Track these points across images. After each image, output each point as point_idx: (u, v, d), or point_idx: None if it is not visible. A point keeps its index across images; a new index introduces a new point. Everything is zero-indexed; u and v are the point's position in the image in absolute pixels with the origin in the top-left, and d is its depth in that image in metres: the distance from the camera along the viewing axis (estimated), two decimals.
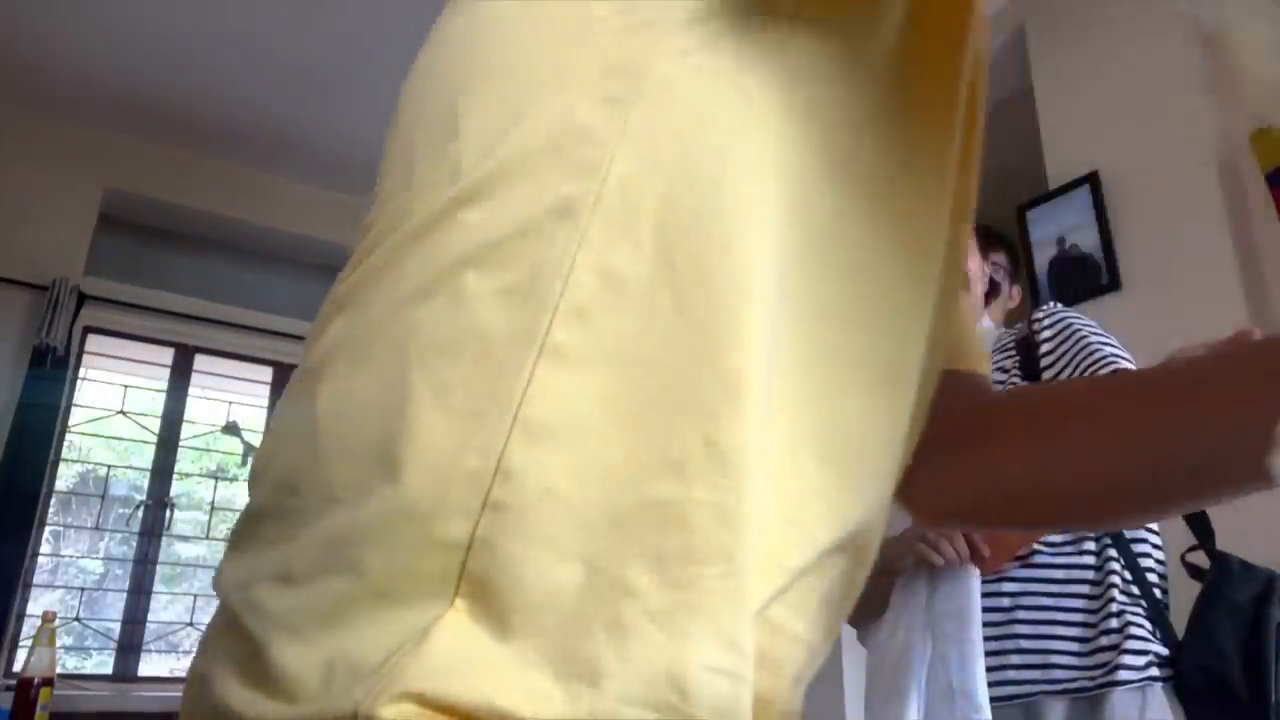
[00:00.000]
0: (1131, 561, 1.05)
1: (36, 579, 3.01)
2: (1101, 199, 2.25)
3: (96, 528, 3.31)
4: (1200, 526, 1.07)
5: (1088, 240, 2.26)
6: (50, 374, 2.97)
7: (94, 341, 3.30)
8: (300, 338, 3.63)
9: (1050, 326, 1.21)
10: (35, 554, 2.97)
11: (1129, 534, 1.08)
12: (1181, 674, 1.00)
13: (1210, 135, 2.13)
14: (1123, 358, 1.14)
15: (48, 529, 3.11)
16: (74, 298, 3.09)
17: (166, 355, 3.44)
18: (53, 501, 3.13)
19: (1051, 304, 1.28)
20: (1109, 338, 1.18)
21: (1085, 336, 1.17)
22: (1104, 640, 1.02)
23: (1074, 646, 1.03)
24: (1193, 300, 2.05)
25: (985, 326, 1.34)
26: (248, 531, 0.43)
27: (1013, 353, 1.24)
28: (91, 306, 3.18)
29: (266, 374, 3.61)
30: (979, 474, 0.54)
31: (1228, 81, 2.26)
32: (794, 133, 0.40)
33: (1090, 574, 1.07)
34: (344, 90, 3.12)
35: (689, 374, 0.37)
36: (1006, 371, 1.22)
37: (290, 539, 0.38)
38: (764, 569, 0.39)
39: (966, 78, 0.49)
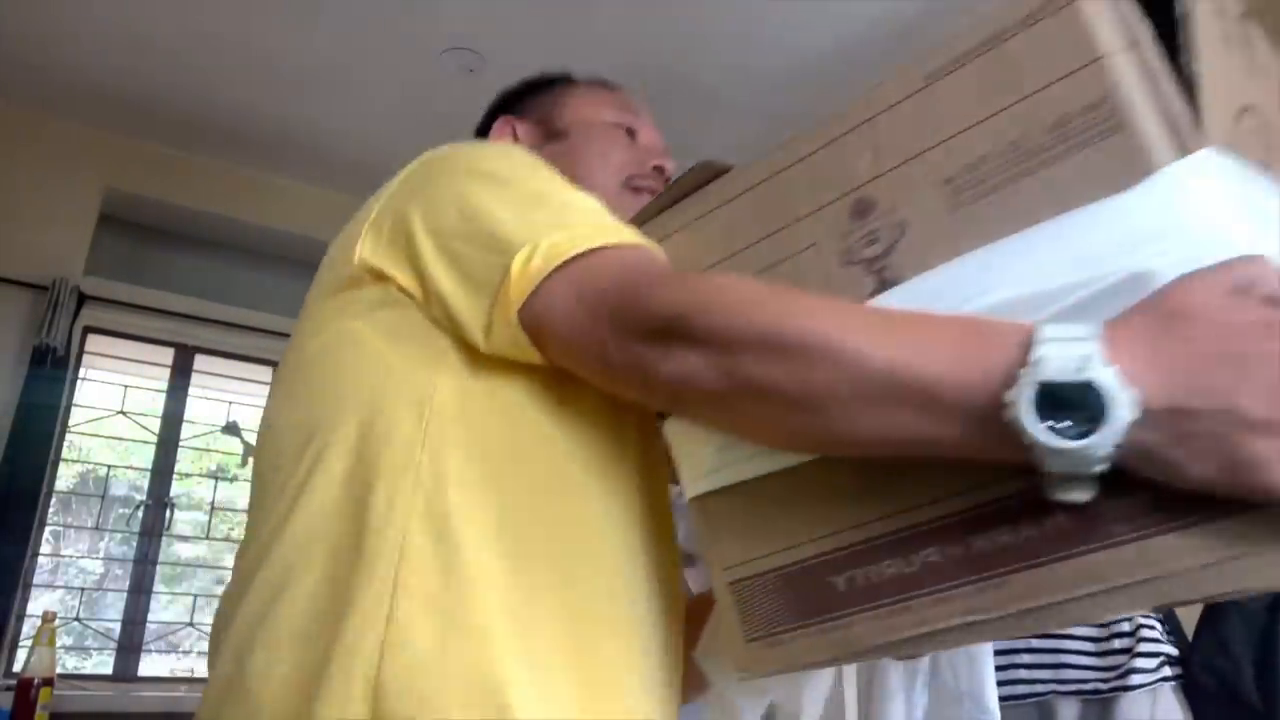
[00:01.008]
0: None
1: (36, 579, 3.01)
2: None
3: (96, 528, 3.31)
4: None
5: None
6: (50, 374, 2.97)
7: (94, 341, 3.29)
8: None
9: None
10: (35, 554, 2.97)
11: None
12: (1190, 674, 0.99)
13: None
14: None
15: (48, 529, 3.11)
16: (74, 298, 3.09)
17: (166, 355, 3.44)
18: (53, 501, 3.13)
19: None
20: None
21: None
22: (1116, 643, 1.01)
23: (1087, 646, 1.02)
24: None
25: None
26: None
27: None
28: (91, 306, 3.18)
29: (266, 374, 3.61)
30: None
31: None
32: (529, 426, 0.65)
33: None
34: (344, 90, 3.12)
35: (459, 592, 0.58)
36: None
37: None
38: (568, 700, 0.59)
39: None
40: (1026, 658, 1.04)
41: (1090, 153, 0.50)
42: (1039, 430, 0.42)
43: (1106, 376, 0.41)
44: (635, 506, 0.69)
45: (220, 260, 3.78)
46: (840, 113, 0.61)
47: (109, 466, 3.32)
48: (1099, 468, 0.43)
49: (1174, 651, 1.03)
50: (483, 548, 0.59)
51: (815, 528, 0.56)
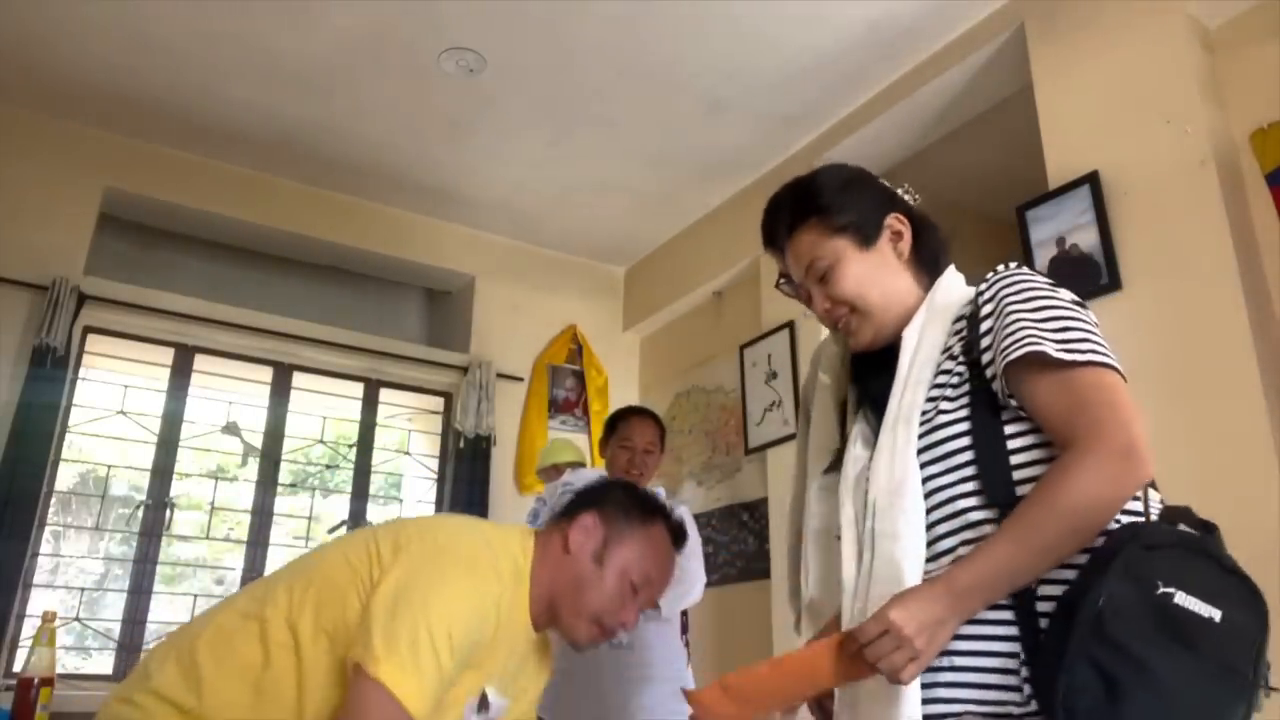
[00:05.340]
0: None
1: (36, 579, 3.01)
2: (1101, 199, 2.25)
3: (96, 528, 3.31)
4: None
5: (1088, 240, 2.26)
6: (50, 374, 2.97)
7: (94, 341, 3.29)
8: (300, 338, 3.63)
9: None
10: (35, 554, 2.97)
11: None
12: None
13: (1210, 135, 2.13)
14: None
15: (48, 529, 3.11)
16: (74, 298, 3.09)
17: (166, 355, 3.44)
18: (53, 501, 3.13)
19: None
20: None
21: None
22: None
23: (1011, 664, 0.89)
24: (1193, 300, 2.05)
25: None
26: None
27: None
28: (91, 306, 3.18)
29: (266, 374, 3.61)
30: None
31: (1228, 81, 2.25)
32: None
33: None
34: (344, 90, 3.12)
35: None
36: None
37: None
38: None
39: None
40: (948, 675, 0.93)
41: None
42: None
43: None
44: None
45: (220, 260, 3.78)
46: None
47: (109, 466, 3.32)
48: None
49: None
50: None
51: None
